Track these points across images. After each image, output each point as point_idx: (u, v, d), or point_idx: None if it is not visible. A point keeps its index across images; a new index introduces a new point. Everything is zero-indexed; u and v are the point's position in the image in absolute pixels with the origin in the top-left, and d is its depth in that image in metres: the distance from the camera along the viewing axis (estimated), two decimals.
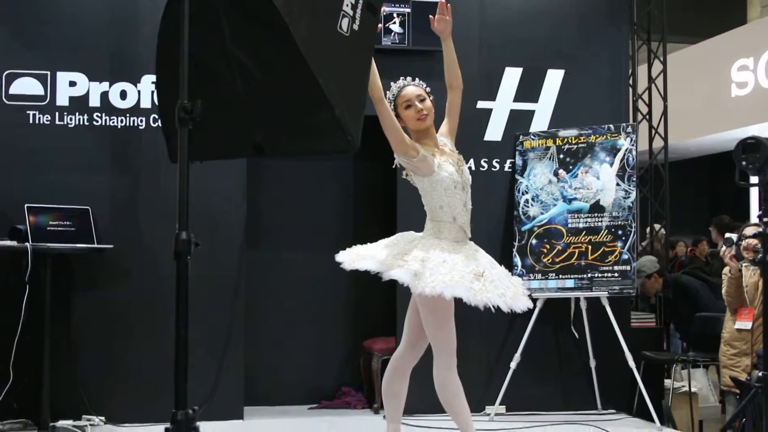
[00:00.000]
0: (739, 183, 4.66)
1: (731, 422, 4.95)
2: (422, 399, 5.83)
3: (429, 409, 6.45)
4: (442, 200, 4.52)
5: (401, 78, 4.67)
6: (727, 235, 6.01)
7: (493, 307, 4.36)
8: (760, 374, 4.53)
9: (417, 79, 4.70)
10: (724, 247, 6.16)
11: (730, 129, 12.81)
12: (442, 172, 4.49)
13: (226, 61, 3.51)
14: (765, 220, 4.44)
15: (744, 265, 6.12)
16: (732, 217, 8.31)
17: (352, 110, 3.57)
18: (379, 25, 5.56)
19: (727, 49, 13.47)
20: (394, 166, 4.71)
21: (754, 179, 4.63)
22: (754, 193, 12.84)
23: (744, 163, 4.51)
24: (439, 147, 4.65)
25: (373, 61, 3.98)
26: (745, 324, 6.20)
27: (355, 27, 3.57)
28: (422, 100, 4.58)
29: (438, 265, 4.30)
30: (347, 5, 3.53)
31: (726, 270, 6.39)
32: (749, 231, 6.05)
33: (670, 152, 9.53)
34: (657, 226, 9.23)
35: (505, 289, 4.43)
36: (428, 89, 4.67)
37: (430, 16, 4.72)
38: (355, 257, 4.54)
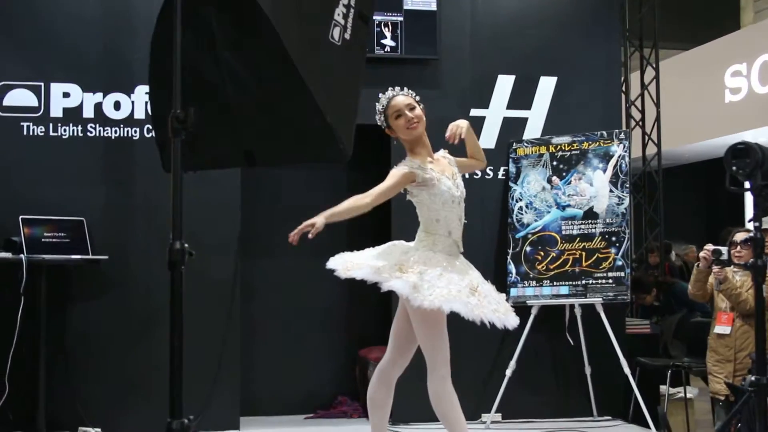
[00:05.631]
0: (730, 188, 4.67)
1: (723, 428, 4.94)
2: (413, 407, 5.85)
3: (419, 417, 6.48)
4: (440, 214, 4.51)
5: (389, 89, 4.66)
6: (719, 248, 6.01)
7: (488, 323, 4.36)
8: (753, 378, 4.53)
9: (405, 88, 4.68)
10: (710, 248, 6.15)
11: (723, 135, 12.84)
12: (441, 186, 4.48)
13: (217, 69, 3.53)
14: (756, 225, 4.45)
15: (734, 270, 6.12)
16: (727, 222, 8.31)
17: (344, 118, 3.59)
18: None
19: (720, 54, 13.52)
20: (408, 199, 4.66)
21: (745, 184, 4.64)
22: (749, 199, 12.88)
23: (734, 168, 4.52)
24: (433, 157, 4.64)
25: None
26: (723, 329, 6.20)
27: (347, 36, 3.60)
28: (412, 109, 4.55)
29: (435, 279, 4.29)
30: (339, 14, 3.55)
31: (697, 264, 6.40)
32: (739, 237, 6.06)
33: (665, 158, 9.58)
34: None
35: (497, 305, 4.43)
36: (417, 98, 4.65)
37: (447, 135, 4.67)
38: (349, 265, 4.51)
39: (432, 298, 4.21)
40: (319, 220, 4.24)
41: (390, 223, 6.94)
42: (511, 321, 4.48)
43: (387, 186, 4.44)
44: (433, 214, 4.52)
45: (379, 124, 4.64)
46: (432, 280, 4.29)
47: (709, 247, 6.14)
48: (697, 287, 6.36)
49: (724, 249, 5.93)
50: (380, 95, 4.64)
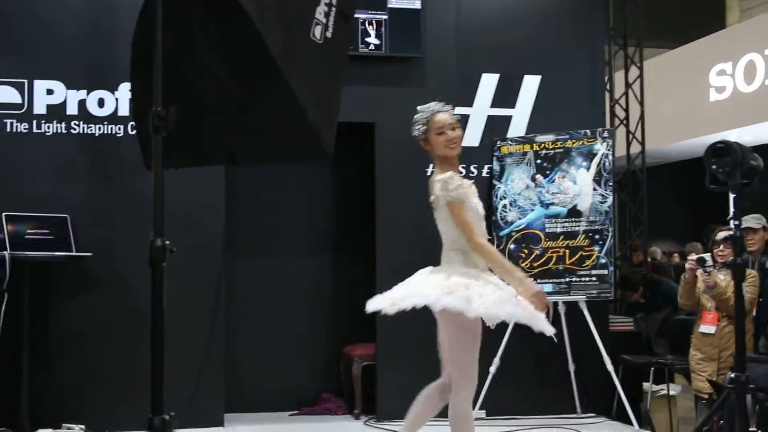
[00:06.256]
0: (710, 187, 4.71)
1: (702, 425, 4.97)
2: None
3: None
4: None
5: (434, 101, 4.62)
6: (703, 256, 6.05)
7: (554, 335, 4.37)
8: (733, 376, 4.57)
9: (449, 105, 4.66)
10: (693, 257, 6.20)
11: (708, 134, 12.90)
12: (470, 203, 4.44)
13: (199, 67, 3.54)
14: (736, 223, 4.49)
15: (717, 270, 6.16)
16: (712, 221, 8.36)
17: (325, 116, 3.61)
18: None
19: (705, 53, 13.58)
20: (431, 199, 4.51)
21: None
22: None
23: (714, 167, 4.56)
24: (458, 172, 4.61)
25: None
26: (708, 328, 6.23)
27: (328, 35, 3.61)
28: (453, 129, 4.50)
29: (482, 287, 4.25)
30: (320, 13, 3.56)
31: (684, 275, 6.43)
32: (721, 236, 6.09)
33: (650, 157, 9.61)
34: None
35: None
36: (458, 117, 4.62)
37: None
38: (394, 300, 4.36)
39: (486, 306, 4.17)
40: (534, 286, 4.30)
41: (374, 224, 7.00)
42: (542, 326, 4.41)
43: (468, 218, 4.39)
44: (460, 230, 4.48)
45: (415, 133, 4.54)
46: (479, 289, 4.24)
47: (693, 257, 6.20)
48: (686, 297, 6.37)
49: (707, 256, 5.99)
50: (423, 106, 4.58)
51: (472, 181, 4.62)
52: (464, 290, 4.22)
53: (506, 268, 4.36)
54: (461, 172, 4.64)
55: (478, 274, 4.38)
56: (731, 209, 4.80)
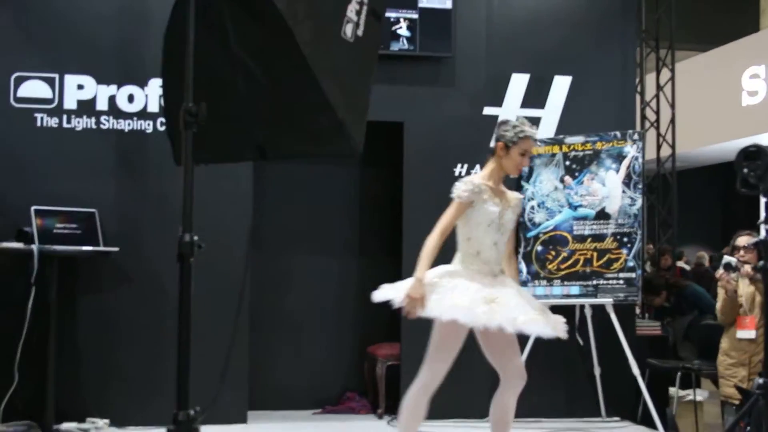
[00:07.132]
0: (741, 190, 4.68)
1: (729, 431, 4.94)
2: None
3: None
4: (472, 233, 4.57)
5: (528, 121, 4.69)
6: (726, 259, 6.00)
7: (496, 327, 4.41)
8: (761, 381, 4.53)
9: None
10: (721, 271, 6.14)
11: (740, 137, 12.79)
12: (485, 207, 4.53)
13: (230, 64, 3.55)
14: (766, 227, 4.46)
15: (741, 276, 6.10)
16: (742, 225, 8.30)
17: (355, 115, 3.60)
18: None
19: (738, 56, 13.46)
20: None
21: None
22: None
23: (745, 171, 4.53)
24: (499, 188, 4.68)
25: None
26: (747, 333, 6.16)
27: (359, 33, 3.60)
28: (530, 158, 4.73)
29: (448, 290, 4.39)
30: (351, 11, 3.55)
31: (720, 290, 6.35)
32: (741, 241, 6.04)
33: (681, 161, 9.54)
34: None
35: (521, 315, 4.42)
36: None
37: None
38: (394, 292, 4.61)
39: (432, 308, 4.35)
40: (419, 289, 4.37)
41: (401, 220, 6.97)
42: (534, 329, 4.52)
43: (450, 218, 4.53)
44: (465, 233, 4.60)
45: (503, 135, 4.64)
46: (444, 291, 4.39)
47: (720, 271, 6.14)
48: (728, 312, 6.27)
49: (728, 258, 5.94)
50: (523, 119, 4.71)
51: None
52: (431, 294, 4.39)
53: (418, 266, 4.42)
54: (502, 188, 4.68)
55: (464, 275, 4.49)
56: (762, 213, 4.77)
